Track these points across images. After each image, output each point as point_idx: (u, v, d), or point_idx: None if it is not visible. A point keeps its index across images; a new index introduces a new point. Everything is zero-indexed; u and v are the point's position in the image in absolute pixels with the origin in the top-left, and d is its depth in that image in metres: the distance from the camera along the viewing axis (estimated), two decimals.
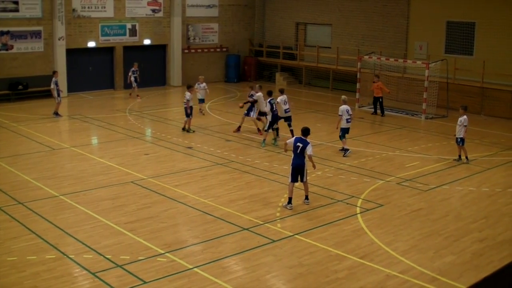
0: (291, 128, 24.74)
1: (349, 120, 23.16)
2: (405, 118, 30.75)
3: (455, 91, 31.88)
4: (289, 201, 17.20)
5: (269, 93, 24.66)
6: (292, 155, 17.30)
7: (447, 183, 19.88)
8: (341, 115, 23.01)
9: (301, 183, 17.49)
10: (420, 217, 16.77)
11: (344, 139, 23.14)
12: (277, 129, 24.92)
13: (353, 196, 18.33)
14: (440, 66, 31.35)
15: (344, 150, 23.02)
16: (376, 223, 16.24)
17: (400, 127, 28.47)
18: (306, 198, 17.60)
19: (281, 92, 25.21)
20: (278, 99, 24.42)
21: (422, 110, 30.66)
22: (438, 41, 34.33)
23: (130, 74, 35.02)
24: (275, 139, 24.82)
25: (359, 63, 33.76)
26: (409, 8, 35.80)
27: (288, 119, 24.92)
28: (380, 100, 31.31)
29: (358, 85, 33.42)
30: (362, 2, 38.15)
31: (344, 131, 23.12)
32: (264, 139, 24.45)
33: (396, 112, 31.87)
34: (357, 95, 33.27)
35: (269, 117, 24.42)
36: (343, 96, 23.74)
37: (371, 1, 37.62)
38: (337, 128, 23.40)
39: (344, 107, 23.04)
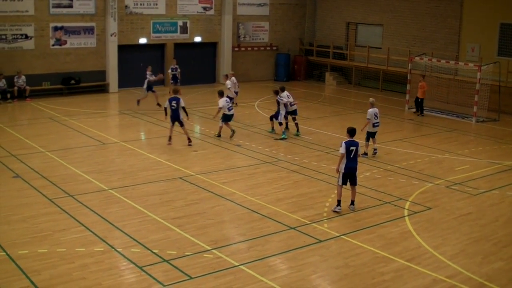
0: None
1: (377, 124, 22.74)
2: (455, 120, 30.37)
3: (507, 95, 31.39)
4: (338, 204, 16.99)
5: (276, 92, 25.90)
6: (345, 160, 16.74)
7: (497, 187, 19.59)
8: (369, 119, 22.49)
9: (350, 187, 17.15)
10: (469, 222, 16.57)
11: (367, 143, 22.82)
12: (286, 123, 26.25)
13: (401, 198, 18.19)
14: (493, 69, 30.84)
15: (364, 153, 22.55)
16: (424, 226, 16.09)
17: (450, 129, 28.14)
18: (352, 203, 17.25)
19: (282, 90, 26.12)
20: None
21: (473, 113, 30.24)
22: (491, 43, 33.82)
23: (169, 71, 35.15)
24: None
25: (409, 64, 33.45)
26: (462, 9, 35.33)
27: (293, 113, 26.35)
28: (419, 100, 31.38)
29: (408, 87, 33.09)
30: (414, 3, 37.79)
31: (369, 135, 22.77)
32: (284, 131, 25.65)
33: (446, 115, 31.51)
34: (407, 96, 32.94)
35: (283, 112, 25.47)
36: (371, 99, 23.26)
37: (423, 2, 37.24)
38: (362, 130, 22.49)
39: (372, 110, 22.56)
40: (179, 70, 34.69)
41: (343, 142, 16.82)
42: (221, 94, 25.56)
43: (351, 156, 16.78)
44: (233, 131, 25.05)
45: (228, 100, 25.58)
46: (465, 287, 12.72)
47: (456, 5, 35.57)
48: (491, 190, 19.34)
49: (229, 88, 30.00)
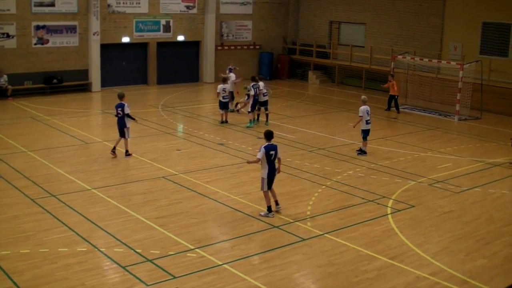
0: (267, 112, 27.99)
1: (369, 121, 22.92)
2: (438, 119, 30.51)
3: (490, 93, 31.55)
4: (270, 210, 16.46)
5: (253, 79, 27.81)
6: (267, 166, 16.15)
7: (479, 185, 19.70)
8: (361, 116, 22.71)
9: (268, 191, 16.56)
10: (452, 219, 16.65)
11: (365, 141, 22.98)
12: (266, 115, 27.96)
13: (384, 197, 18.24)
14: (475, 67, 31.00)
15: (362, 151, 22.88)
16: (407, 224, 16.14)
17: (433, 128, 28.26)
18: (277, 203, 16.71)
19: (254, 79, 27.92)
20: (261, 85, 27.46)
21: (455, 111, 30.38)
22: (473, 42, 33.98)
23: (227, 71, 34.73)
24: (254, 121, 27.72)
25: (392, 63, 33.58)
26: (445, 8, 35.48)
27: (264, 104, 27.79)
28: (396, 97, 31.71)
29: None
30: (397, 2, 37.90)
31: (366, 133, 22.88)
32: (251, 120, 27.46)
33: (429, 113, 31.64)
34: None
35: (251, 101, 27.30)
36: (363, 96, 23.46)
37: (406, 1, 37.35)
38: (354, 127, 23.51)
39: (364, 107, 22.71)
40: (237, 68, 33.77)
41: (263, 146, 16.18)
42: (223, 81, 28.23)
43: (272, 159, 16.23)
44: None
45: (224, 88, 27.47)
46: (448, 285, 12.78)
47: (438, 3, 35.71)
48: (473, 188, 19.44)
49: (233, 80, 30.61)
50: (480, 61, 31.13)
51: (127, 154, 21.85)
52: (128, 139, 22.08)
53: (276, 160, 16.43)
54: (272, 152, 16.21)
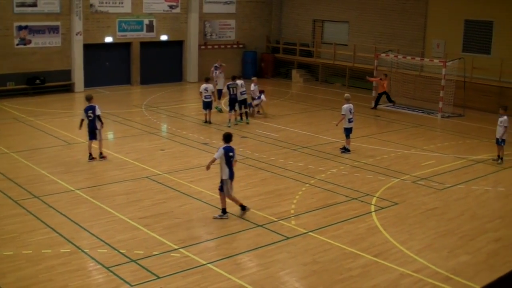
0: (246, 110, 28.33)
1: (352, 120, 22.95)
2: (421, 116, 30.63)
3: (472, 90, 31.72)
4: (224, 211, 16.29)
5: (233, 78, 27.86)
6: (225, 168, 15.95)
7: (462, 182, 19.79)
8: (344, 115, 22.73)
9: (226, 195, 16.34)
10: (435, 216, 16.72)
11: (348, 139, 23.02)
12: (246, 112, 28.28)
13: (368, 194, 18.29)
14: (458, 65, 31.15)
15: (345, 149, 22.93)
16: (391, 222, 16.20)
17: (416, 125, 28.37)
18: (244, 207, 16.56)
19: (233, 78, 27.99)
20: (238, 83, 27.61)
21: (439, 109, 30.52)
22: (455, 39, 34.14)
23: (212, 69, 34.21)
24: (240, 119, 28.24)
25: (376, 61, 33.66)
26: (427, 6, 35.63)
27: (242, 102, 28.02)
28: (387, 93, 32.24)
29: (374, 83, 33.28)
30: (380, 0, 37.99)
31: (348, 131, 22.93)
32: (230, 119, 27.44)
33: (412, 111, 31.77)
34: (373, 93, 33.13)
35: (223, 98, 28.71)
36: (346, 94, 23.54)
37: None
38: (336, 125, 23.48)
39: (347, 106, 22.78)
40: (224, 64, 32.95)
41: (221, 148, 15.99)
42: (206, 80, 27.97)
43: (231, 160, 16.11)
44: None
45: (207, 88, 27.32)
46: (432, 281, 12.84)
47: (421, 2, 35.84)
48: (456, 184, 19.54)
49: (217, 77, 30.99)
50: (462, 59, 31.27)
51: (101, 156, 21.55)
52: (102, 141, 21.86)
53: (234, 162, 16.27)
54: (231, 154, 16.09)
